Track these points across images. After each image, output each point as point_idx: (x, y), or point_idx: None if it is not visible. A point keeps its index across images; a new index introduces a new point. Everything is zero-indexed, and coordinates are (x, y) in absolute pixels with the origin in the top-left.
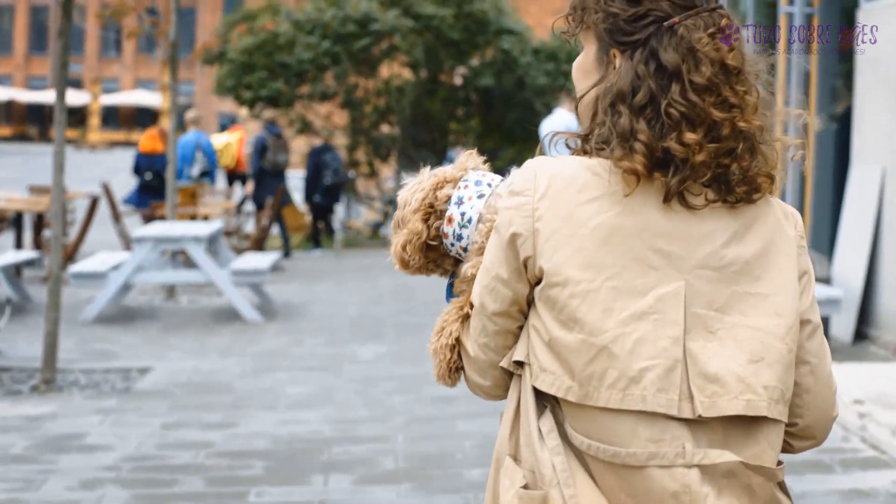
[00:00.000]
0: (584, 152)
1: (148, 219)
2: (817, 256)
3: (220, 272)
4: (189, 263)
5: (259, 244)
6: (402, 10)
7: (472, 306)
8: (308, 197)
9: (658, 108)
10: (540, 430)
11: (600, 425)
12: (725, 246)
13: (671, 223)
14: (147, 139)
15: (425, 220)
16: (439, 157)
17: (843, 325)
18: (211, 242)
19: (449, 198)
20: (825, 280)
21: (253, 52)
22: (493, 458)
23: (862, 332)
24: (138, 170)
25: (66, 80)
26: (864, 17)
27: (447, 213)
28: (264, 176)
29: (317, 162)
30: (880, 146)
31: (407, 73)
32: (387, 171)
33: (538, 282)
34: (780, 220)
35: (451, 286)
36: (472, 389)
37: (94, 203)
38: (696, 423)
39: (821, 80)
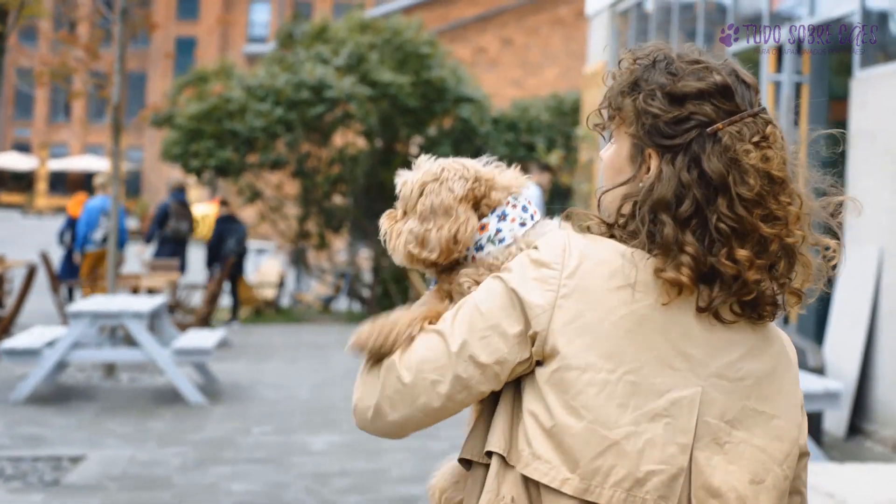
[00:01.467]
0: (612, 236)
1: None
2: (808, 344)
3: (161, 351)
4: (130, 340)
5: (204, 320)
6: (359, 76)
7: (426, 326)
8: (209, 265)
9: (704, 221)
10: None
11: None
12: (742, 359)
13: (697, 325)
14: (74, 204)
15: (474, 211)
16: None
17: (836, 419)
18: (154, 317)
19: (497, 205)
20: (818, 370)
21: (201, 119)
22: None
23: (857, 426)
24: (62, 237)
25: None
26: (857, 86)
27: (484, 221)
28: (165, 243)
29: (220, 231)
30: (877, 225)
31: (361, 142)
32: (339, 242)
33: (540, 362)
34: (785, 345)
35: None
36: (363, 415)
37: (31, 272)
38: None
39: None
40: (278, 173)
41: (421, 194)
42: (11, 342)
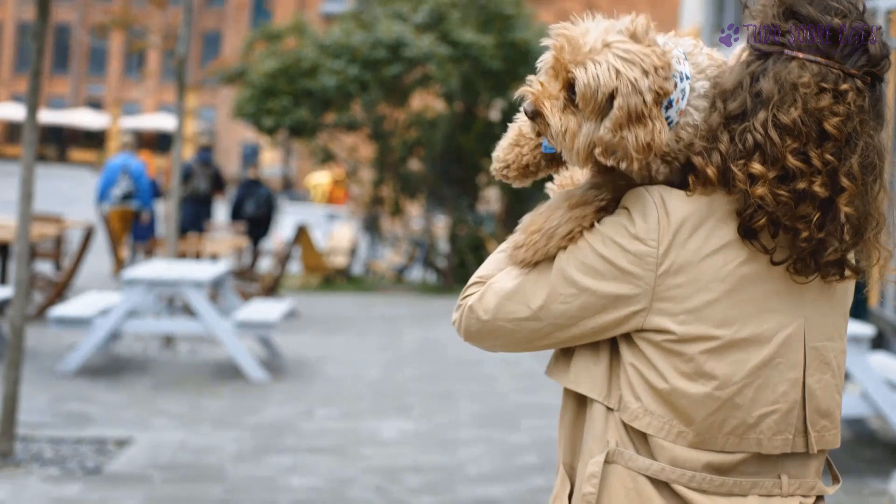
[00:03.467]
0: (703, 182)
1: (149, 253)
2: None
3: (221, 323)
4: (189, 309)
5: (271, 289)
6: (439, 36)
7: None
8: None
9: (741, 128)
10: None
11: (706, 461)
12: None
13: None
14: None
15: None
16: (471, 197)
17: None
18: (216, 286)
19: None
20: None
21: (276, 77)
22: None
23: None
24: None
25: (36, 95)
26: None
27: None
28: (186, 203)
29: (240, 195)
30: None
31: (440, 105)
32: (414, 209)
33: (642, 329)
34: None
35: None
36: (470, 328)
37: (88, 234)
38: (795, 455)
39: None
40: (353, 135)
41: (611, 97)
42: (62, 309)
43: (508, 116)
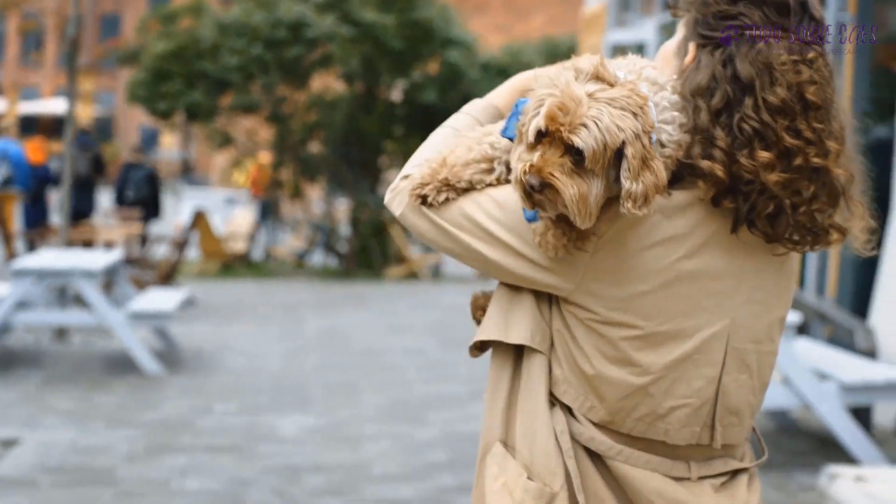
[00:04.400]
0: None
1: (40, 242)
2: (856, 323)
3: (115, 314)
4: (82, 300)
5: (168, 277)
6: (341, 15)
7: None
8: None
9: (732, 119)
10: (554, 430)
11: (622, 438)
12: (770, 276)
13: (728, 262)
14: (32, 149)
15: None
16: (373, 180)
17: (886, 410)
18: (110, 275)
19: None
20: (869, 353)
21: (169, 59)
22: (480, 447)
23: None
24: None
25: None
26: None
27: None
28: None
29: (123, 178)
30: None
31: (341, 87)
32: (314, 193)
33: (568, 301)
34: None
35: None
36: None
37: None
38: (701, 445)
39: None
40: (251, 118)
41: (615, 152)
42: None
43: (411, 97)
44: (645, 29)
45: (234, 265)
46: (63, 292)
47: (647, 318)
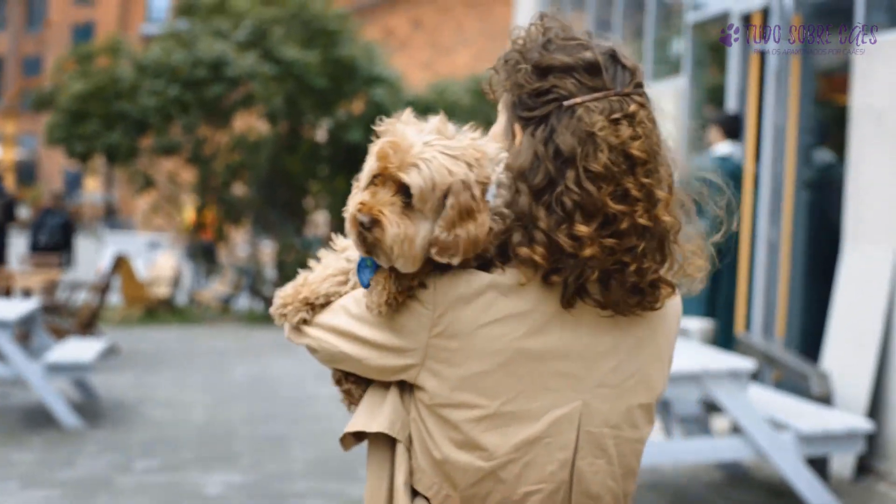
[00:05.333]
0: (491, 264)
1: None
2: (810, 368)
3: (30, 365)
4: None
5: (88, 325)
6: (262, 53)
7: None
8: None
9: (552, 196)
10: None
11: None
12: (627, 360)
13: (572, 341)
14: None
15: None
16: (299, 222)
17: (843, 457)
18: (27, 324)
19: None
20: (823, 399)
21: (87, 99)
22: None
23: (867, 465)
24: None
25: None
26: (860, 56)
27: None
28: None
29: (38, 224)
30: (889, 221)
31: (264, 126)
32: (239, 236)
33: (419, 387)
34: (671, 321)
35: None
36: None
37: None
38: None
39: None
40: (173, 159)
41: (444, 196)
42: None
43: (335, 136)
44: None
45: (158, 310)
46: None
47: (489, 398)
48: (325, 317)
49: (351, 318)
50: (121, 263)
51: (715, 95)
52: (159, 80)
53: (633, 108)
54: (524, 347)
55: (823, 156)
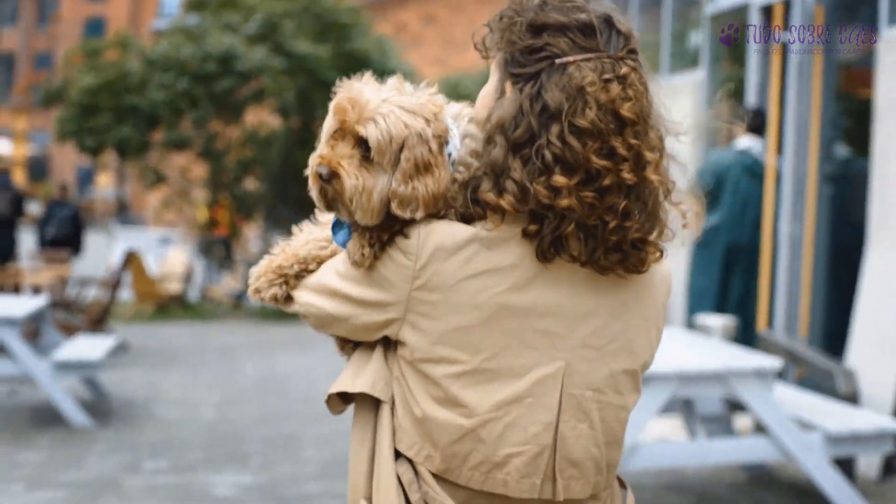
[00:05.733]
0: (471, 216)
1: None
2: (837, 367)
3: (39, 364)
4: (4, 349)
5: (99, 321)
6: (272, 47)
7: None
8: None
9: (532, 149)
10: (399, 480)
11: (463, 493)
12: (608, 323)
13: (555, 299)
14: None
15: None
16: (310, 216)
17: (868, 457)
18: (36, 321)
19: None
20: (850, 398)
21: (97, 93)
22: (349, 500)
23: (893, 464)
24: None
25: None
26: (886, 47)
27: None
28: None
29: (46, 217)
30: None
31: (275, 121)
32: (251, 231)
33: (401, 342)
34: (659, 288)
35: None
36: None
37: None
38: (543, 501)
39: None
40: (184, 155)
41: (401, 149)
42: None
43: None
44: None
45: (169, 307)
46: None
47: (470, 353)
48: (312, 278)
49: (337, 275)
50: (131, 259)
51: (734, 89)
52: (168, 73)
53: (624, 70)
54: (507, 302)
55: (844, 150)
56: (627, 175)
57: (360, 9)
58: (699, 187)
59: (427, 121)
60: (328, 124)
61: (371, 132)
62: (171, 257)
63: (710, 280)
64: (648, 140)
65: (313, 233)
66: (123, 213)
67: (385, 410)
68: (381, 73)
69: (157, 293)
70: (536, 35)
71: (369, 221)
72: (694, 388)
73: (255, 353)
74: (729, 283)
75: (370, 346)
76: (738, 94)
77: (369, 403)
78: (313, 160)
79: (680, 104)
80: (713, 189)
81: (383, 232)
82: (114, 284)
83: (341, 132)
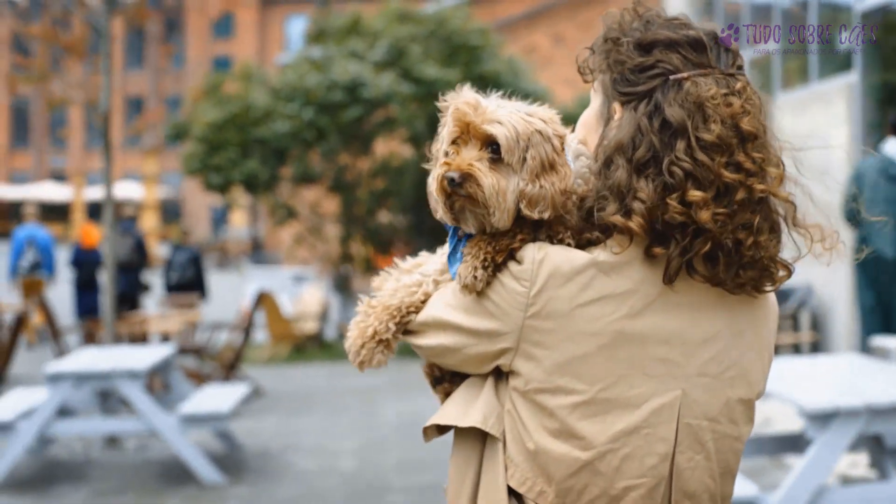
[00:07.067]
0: (587, 242)
1: (88, 337)
2: None
3: (164, 418)
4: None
5: (231, 366)
6: (400, 73)
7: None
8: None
9: (661, 168)
10: None
11: None
12: (727, 349)
13: (673, 325)
14: (85, 234)
15: None
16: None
17: None
18: (163, 371)
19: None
20: None
21: (222, 127)
22: None
23: None
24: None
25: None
26: None
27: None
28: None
29: (168, 262)
30: None
31: (407, 151)
32: (387, 265)
33: (514, 372)
34: (770, 315)
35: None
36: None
37: (20, 321)
38: None
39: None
40: (314, 189)
41: (527, 148)
42: None
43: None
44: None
45: (306, 347)
46: (109, 395)
47: (587, 383)
48: (423, 312)
49: (447, 306)
50: (264, 300)
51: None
52: (293, 103)
53: (740, 84)
54: (624, 329)
55: None
56: (759, 187)
57: (488, 30)
58: (848, 199)
59: (544, 121)
60: (447, 131)
61: (499, 131)
62: (305, 296)
63: (867, 297)
64: (769, 155)
65: (401, 279)
66: (258, 252)
67: (496, 445)
68: (515, 95)
69: (293, 334)
70: (646, 52)
71: (506, 224)
72: (887, 423)
73: (397, 395)
74: (892, 303)
75: (479, 379)
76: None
77: (474, 437)
78: (438, 170)
79: (832, 110)
80: (856, 198)
81: (499, 253)
82: (245, 327)
83: (465, 137)
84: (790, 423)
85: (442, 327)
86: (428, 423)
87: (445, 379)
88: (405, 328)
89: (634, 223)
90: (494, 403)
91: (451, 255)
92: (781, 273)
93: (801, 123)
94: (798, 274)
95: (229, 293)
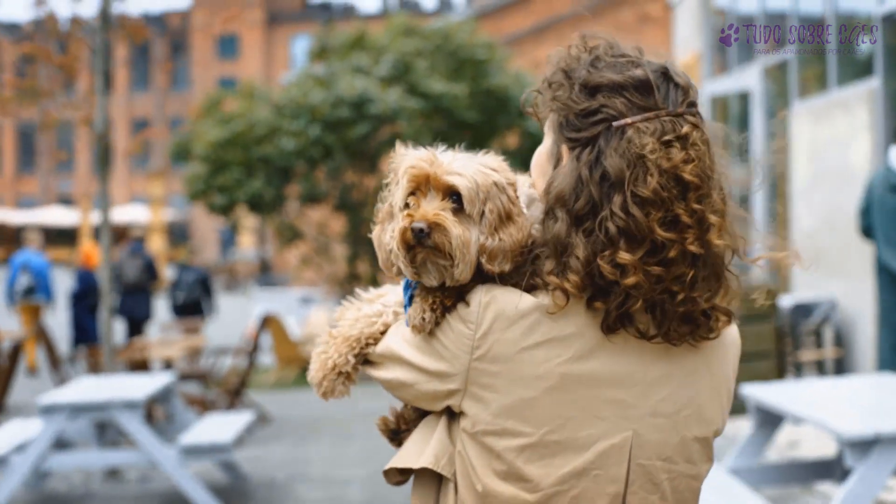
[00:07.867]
0: (534, 286)
1: (93, 366)
2: None
3: (163, 451)
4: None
5: (236, 392)
6: (406, 88)
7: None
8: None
9: (595, 222)
10: None
11: None
12: (680, 387)
13: (623, 367)
14: (87, 257)
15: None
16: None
17: None
18: (164, 400)
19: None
20: None
21: (225, 146)
22: None
23: None
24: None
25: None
26: None
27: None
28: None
29: (174, 283)
30: None
31: None
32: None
33: (463, 413)
34: (729, 352)
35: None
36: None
37: (16, 349)
38: None
39: None
40: (320, 209)
41: (486, 200)
42: None
43: None
44: (747, 75)
45: None
46: (106, 427)
47: (533, 426)
48: (381, 343)
49: (404, 340)
50: (269, 323)
51: None
52: (298, 120)
53: (685, 129)
54: (571, 372)
55: None
56: (693, 246)
57: (495, 44)
58: (862, 212)
59: (496, 170)
60: (402, 187)
61: (460, 182)
62: (312, 317)
63: (887, 309)
64: (712, 203)
65: (361, 309)
66: (266, 273)
67: (448, 487)
68: (521, 110)
69: (301, 357)
70: (591, 97)
71: (467, 277)
72: None
73: None
74: None
75: (435, 417)
76: None
77: (431, 478)
78: (399, 224)
79: (854, 118)
80: (867, 211)
81: (447, 297)
82: (250, 352)
83: (423, 190)
84: (818, 445)
85: (398, 361)
86: (387, 467)
87: (401, 432)
88: (365, 359)
89: (570, 283)
90: (447, 444)
91: (407, 306)
92: (720, 321)
93: (820, 132)
94: (820, 288)
95: (237, 316)
